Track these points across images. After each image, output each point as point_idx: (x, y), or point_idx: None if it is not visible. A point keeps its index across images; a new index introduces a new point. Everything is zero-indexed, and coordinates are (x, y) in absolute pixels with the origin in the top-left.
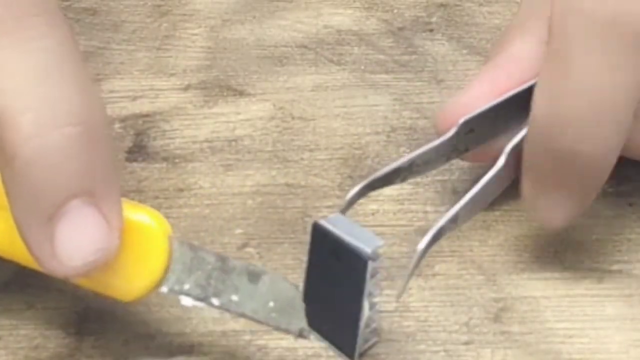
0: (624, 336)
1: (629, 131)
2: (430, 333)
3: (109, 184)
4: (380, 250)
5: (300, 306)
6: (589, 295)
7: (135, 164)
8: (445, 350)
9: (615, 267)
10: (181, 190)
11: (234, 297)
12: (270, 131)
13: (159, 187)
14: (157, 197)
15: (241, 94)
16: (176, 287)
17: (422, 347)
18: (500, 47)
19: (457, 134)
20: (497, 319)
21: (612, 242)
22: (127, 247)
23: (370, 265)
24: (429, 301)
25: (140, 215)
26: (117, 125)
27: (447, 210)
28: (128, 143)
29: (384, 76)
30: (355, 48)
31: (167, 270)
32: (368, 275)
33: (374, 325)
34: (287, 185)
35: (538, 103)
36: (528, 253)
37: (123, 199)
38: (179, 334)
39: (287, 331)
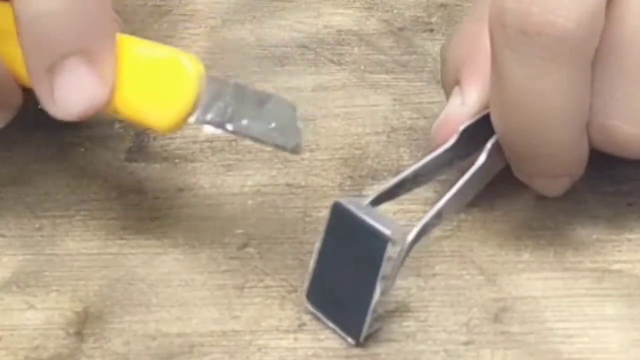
0: (624, 336)
1: (582, 123)
2: (430, 333)
3: (104, 42)
4: (398, 235)
5: (296, 125)
6: (588, 295)
7: (135, 164)
8: (445, 350)
9: (615, 267)
10: (181, 190)
11: (244, 122)
12: None
13: (159, 187)
14: (157, 197)
15: None
16: (200, 118)
17: (422, 347)
18: (476, 49)
19: (457, 141)
20: (497, 319)
21: (612, 242)
22: (161, 81)
23: (389, 246)
24: (429, 301)
25: (176, 55)
26: (117, 125)
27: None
28: (128, 143)
29: (384, 76)
30: (355, 48)
31: (196, 103)
32: (385, 256)
33: (380, 311)
34: (288, 185)
35: (492, 113)
36: (528, 253)
37: (161, 45)
38: (179, 334)
39: (284, 148)
